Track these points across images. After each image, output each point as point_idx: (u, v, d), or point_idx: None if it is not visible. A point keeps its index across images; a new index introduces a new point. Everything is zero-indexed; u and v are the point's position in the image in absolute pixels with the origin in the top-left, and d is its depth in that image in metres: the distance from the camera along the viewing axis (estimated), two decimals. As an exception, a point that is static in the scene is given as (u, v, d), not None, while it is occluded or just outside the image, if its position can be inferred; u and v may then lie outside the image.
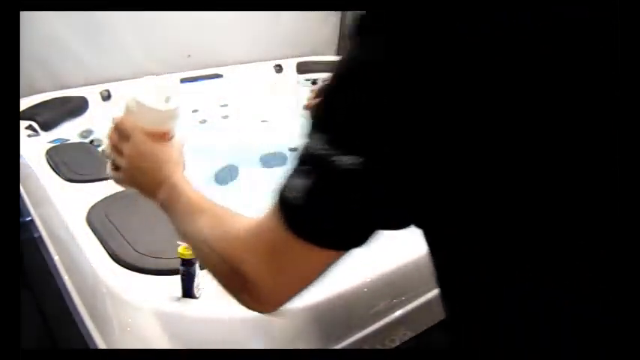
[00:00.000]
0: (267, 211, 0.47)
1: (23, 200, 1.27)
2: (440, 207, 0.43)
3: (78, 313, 0.92)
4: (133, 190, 0.70)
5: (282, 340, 0.74)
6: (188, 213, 0.60)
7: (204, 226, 0.56)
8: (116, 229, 0.93)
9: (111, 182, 1.14)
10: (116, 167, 0.71)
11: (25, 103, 1.70)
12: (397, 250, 0.89)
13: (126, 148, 0.68)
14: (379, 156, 0.40)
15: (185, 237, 0.61)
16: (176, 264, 0.74)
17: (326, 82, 0.44)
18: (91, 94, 1.89)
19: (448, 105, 0.38)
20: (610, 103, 0.37)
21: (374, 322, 0.83)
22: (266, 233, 0.47)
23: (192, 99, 2.12)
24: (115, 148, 0.70)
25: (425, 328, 0.89)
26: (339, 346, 0.79)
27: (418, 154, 0.40)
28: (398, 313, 0.85)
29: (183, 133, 0.73)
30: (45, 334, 1.28)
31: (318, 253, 0.45)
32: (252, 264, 0.48)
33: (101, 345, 0.83)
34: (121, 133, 0.69)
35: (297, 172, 0.44)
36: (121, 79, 2.01)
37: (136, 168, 0.68)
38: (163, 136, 0.70)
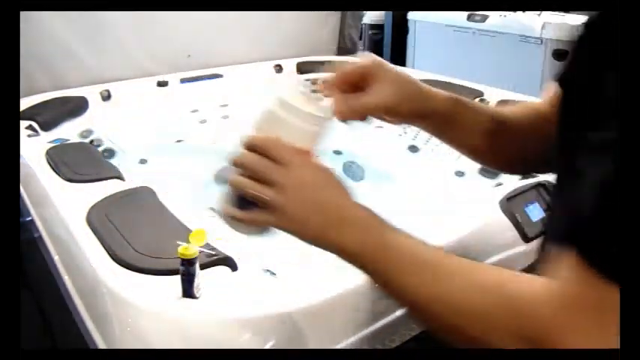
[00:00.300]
0: (570, 268, 0.40)
1: (23, 200, 1.27)
2: None
3: (78, 313, 0.92)
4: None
5: (282, 340, 0.74)
6: (418, 268, 0.48)
7: (454, 289, 0.46)
8: (116, 229, 0.93)
9: (111, 182, 1.15)
10: (242, 203, 0.54)
11: (25, 103, 1.70)
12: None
13: (283, 177, 0.52)
14: None
15: (409, 296, 0.48)
16: (176, 264, 0.74)
17: None
18: (91, 94, 1.88)
19: None
20: None
21: (374, 322, 0.83)
22: (590, 297, 0.39)
23: (192, 99, 2.11)
24: (260, 178, 0.53)
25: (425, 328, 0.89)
26: (339, 346, 0.79)
27: None
28: (398, 313, 0.85)
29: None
30: (45, 334, 1.28)
31: None
32: (574, 338, 0.40)
33: (101, 345, 0.83)
34: (271, 156, 0.53)
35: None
36: (121, 79, 2.01)
37: (306, 203, 0.52)
38: (309, 155, 0.55)
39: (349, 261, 0.52)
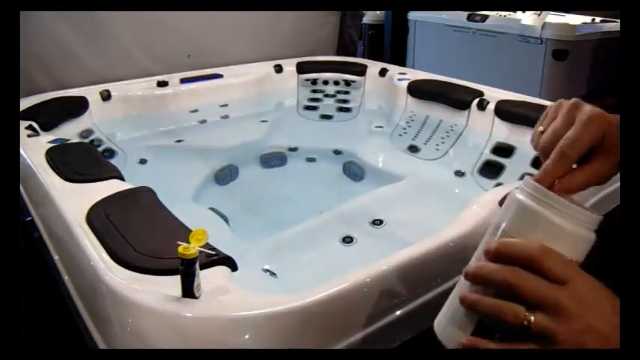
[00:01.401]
0: None
1: (23, 200, 1.28)
2: None
3: (78, 313, 0.92)
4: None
5: (282, 340, 0.74)
6: None
7: None
8: (116, 229, 0.93)
9: (111, 182, 1.15)
10: (482, 329, 0.45)
11: (25, 103, 1.70)
12: (397, 250, 0.89)
13: (559, 298, 0.41)
14: None
15: None
16: (176, 264, 0.74)
17: None
18: (91, 94, 1.89)
19: None
20: None
21: (374, 322, 0.83)
22: None
23: (192, 99, 2.12)
24: (523, 297, 0.42)
25: (425, 328, 0.89)
26: (339, 346, 0.79)
27: None
28: (398, 313, 0.85)
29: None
30: (45, 334, 1.28)
31: None
32: None
33: (101, 345, 0.83)
34: (543, 270, 0.42)
35: None
36: (121, 79, 2.01)
37: (591, 332, 0.42)
38: (577, 267, 0.45)
39: None
